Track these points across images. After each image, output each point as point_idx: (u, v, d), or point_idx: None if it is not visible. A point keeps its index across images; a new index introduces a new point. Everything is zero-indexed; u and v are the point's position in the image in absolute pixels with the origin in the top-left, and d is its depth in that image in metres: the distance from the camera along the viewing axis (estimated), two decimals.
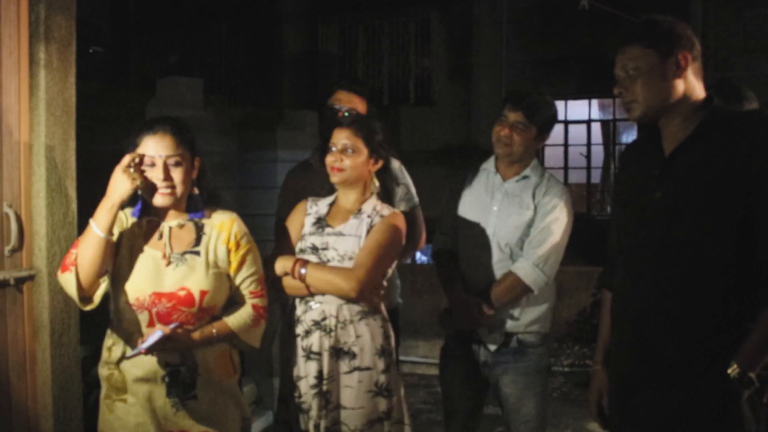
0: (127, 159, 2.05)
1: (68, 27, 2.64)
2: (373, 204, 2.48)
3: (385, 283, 2.48)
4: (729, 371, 1.78)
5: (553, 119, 2.76)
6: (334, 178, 2.47)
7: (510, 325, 2.72)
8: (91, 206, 2.12)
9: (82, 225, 2.26)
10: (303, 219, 2.53)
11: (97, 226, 2.04)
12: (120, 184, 2.03)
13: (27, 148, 2.54)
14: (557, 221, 2.68)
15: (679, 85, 1.92)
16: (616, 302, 2.09)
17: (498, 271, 2.69)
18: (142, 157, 2.08)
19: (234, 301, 2.24)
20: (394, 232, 2.41)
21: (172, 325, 2.05)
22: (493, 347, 2.73)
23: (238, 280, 2.21)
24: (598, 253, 2.86)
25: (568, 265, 6.78)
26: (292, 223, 2.54)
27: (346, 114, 2.95)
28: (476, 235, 2.76)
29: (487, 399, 2.91)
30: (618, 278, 2.07)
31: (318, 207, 2.55)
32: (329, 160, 2.47)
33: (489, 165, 2.84)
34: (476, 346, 2.76)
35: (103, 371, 2.20)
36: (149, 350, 2.03)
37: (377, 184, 2.52)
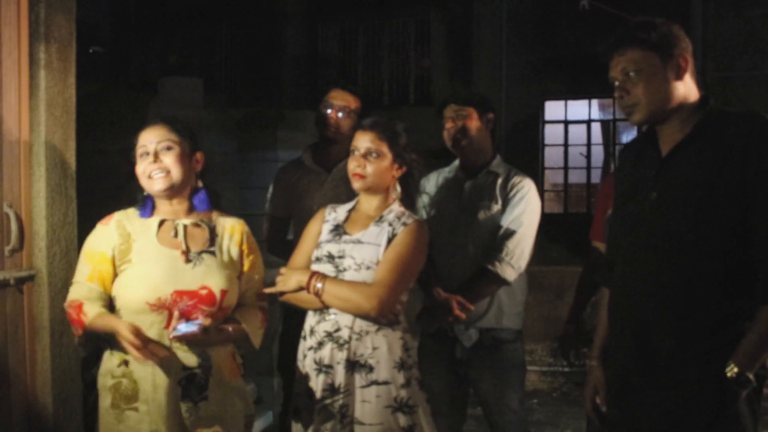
0: (129, 342, 1.99)
1: (68, 27, 2.64)
2: (395, 211, 2.34)
3: (405, 296, 2.33)
4: (727, 371, 1.78)
5: (489, 104, 2.89)
6: (356, 185, 2.34)
7: (485, 321, 2.75)
8: (91, 206, 2.12)
9: (82, 225, 2.27)
10: (320, 227, 2.39)
11: (91, 324, 2.07)
12: (120, 337, 2.01)
13: (27, 148, 2.54)
14: (525, 213, 2.72)
15: (680, 87, 1.92)
16: (613, 301, 2.09)
17: (472, 266, 2.71)
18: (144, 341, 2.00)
19: (239, 303, 2.24)
20: (417, 244, 2.27)
21: (207, 320, 2.04)
22: (468, 344, 2.76)
23: (248, 283, 2.25)
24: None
25: (568, 265, 6.80)
26: (309, 232, 2.41)
27: (339, 114, 2.98)
28: (448, 232, 2.79)
29: (469, 398, 2.94)
30: (616, 278, 2.07)
31: (337, 213, 2.41)
32: (351, 165, 2.33)
33: (455, 164, 2.95)
34: (452, 344, 2.79)
35: (106, 380, 2.13)
36: (180, 338, 2.01)
37: (399, 190, 2.37)
